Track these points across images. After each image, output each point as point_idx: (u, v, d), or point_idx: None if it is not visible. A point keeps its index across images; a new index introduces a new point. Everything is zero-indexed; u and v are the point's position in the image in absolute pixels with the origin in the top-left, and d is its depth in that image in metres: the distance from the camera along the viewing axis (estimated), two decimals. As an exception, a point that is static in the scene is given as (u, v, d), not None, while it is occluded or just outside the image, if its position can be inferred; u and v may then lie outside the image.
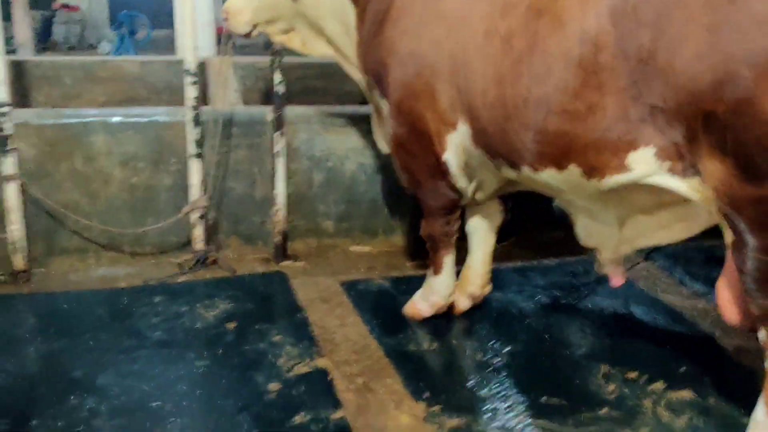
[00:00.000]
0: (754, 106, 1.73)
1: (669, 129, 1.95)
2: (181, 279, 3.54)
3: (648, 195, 2.25)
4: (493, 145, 2.43)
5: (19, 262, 3.40)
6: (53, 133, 3.42)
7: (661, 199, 2.24)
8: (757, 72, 1.70)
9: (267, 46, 3.84)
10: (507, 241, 4.12)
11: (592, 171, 2.17)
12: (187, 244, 3.71)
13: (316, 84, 4.96)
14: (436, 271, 3.11)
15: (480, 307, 3.30)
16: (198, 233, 3.66)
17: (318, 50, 3.22)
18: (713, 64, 1.77)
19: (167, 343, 2.92)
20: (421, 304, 3.18)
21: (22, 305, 3.20)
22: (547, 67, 2.12)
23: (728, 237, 2.02)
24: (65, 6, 21.39)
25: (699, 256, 3.93)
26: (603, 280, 3.71)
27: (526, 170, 2.39)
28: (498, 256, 3.94)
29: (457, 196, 2.90)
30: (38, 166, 3.43)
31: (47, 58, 4.83)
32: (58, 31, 20.27)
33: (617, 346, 3.04)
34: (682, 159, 1.99)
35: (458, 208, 2.98)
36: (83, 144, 3.47)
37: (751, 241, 1.91)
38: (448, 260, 3.08)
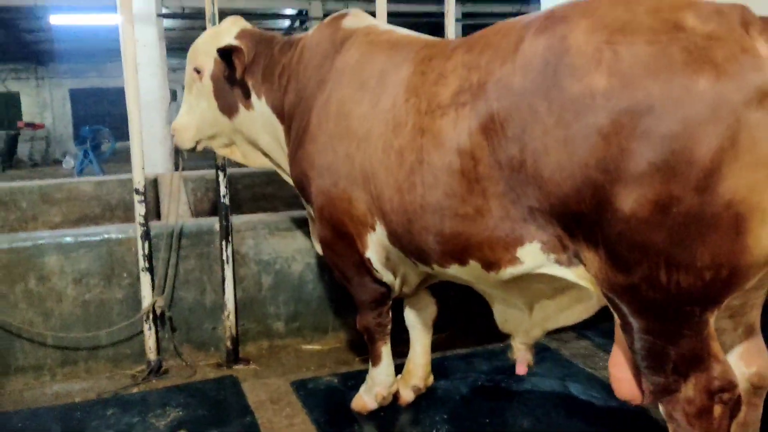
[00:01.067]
0: (612, 206, 1.92)
1: (548, 226, 2.15)
2: (135, 390, 3.62)
3: (545, 283, 2.43)
4: (404, 244, 2.64)
5: (-27, 384, 3.48)
6: (7, 256, 3.57)
7: (557, 285, 2.43)
8: (608, 178, 1.90)
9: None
10: (449, 330, 4.32)
11: (490, 265, 2.37)
12: (140, 355, 3.81)
13: (265, 191, 5.23)
14: (375, 363, 3.25)
15: (425, 397, 3.44)
16: (151, 343, 3.78)
17: (257, 161, 3.51)
18: (572, 173, 1.97)
19: (119, 454, 2.99)
20: (365, 398, 3.30)
21: (-25, 427, 3.26)
22: (435, 177, 2.35)
23: (616, 320, 2.19)
24: (30, 125, 21.87)
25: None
26: (542, 360, 3.92)
27: (435, 266, 2.60)
28: (444, 344, 4.14)
29: (385, 290, 3.08)
30: (-7, 288, 3.56)
31: (4, 184, 5.00)
32: (23, 149, 20.65)
33: (554, 425, 3.18)
34: (566, 250, 2.18)
35: (388, 301, 3.14)
36: (37, 265, 3.62)
37: (634, 323, 2.07)
38: (385, 351, 3.22)
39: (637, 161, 1.85)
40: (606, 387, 3.50)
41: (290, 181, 3.43)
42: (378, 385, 3.27)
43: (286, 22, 20.32)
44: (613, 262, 2.00)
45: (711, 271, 1.87)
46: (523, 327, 2.81)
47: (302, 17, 18.19)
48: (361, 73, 2.78)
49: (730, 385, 2.08)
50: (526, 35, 2.16)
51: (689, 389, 2.08)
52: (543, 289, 2.54)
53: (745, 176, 1.79)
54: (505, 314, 2.86)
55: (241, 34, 3.22)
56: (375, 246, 2.86)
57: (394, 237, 2.67)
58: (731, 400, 2.11)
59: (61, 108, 24.99)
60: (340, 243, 2.95)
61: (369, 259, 2.92)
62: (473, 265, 2.42)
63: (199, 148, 3.49)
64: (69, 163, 17.75)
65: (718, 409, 2.10)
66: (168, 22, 15.71)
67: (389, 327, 3.20)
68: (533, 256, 2.24)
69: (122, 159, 20.67)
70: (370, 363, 3.29)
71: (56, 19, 14.18)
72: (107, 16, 13.99)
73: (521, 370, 2.94)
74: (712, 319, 2.02)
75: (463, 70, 2.33)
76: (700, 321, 1.99)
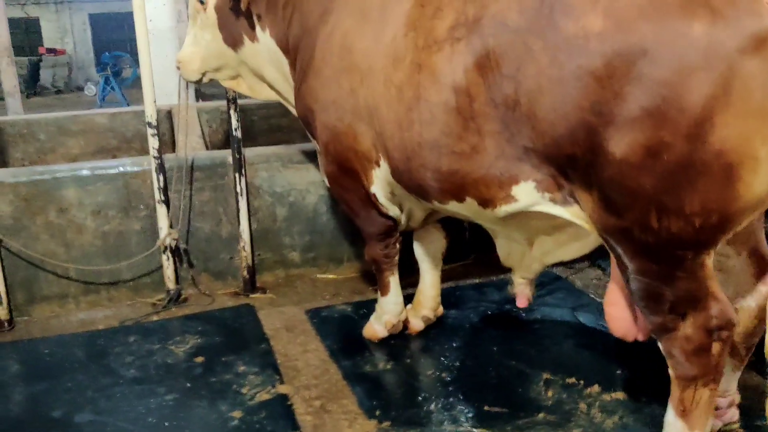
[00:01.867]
0: (603, 150, 1.91)
1: (542, 165, 2.15)
2: (155, 318, 3.76)
3: (542, 220, 2.45)
4: (404, 181, 2.66)
5: (1, 312, 3.62)
6: (27, 189, 3.66)
7: (555, 223, 2.45)
8: (602, 121, 1.89)
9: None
10: (467, 259, 4.37)
11: (486, 202, 2.39)
12: (160, 284, 3.93)
13: (281, 122, 5.22)
14: (384, 293, 3.33)
15: (436, 326, 3.52)
16: (169, 273, 3.89)
17: (263, 94, 3.50)
18: (566, 114, 1.96)
19: (140, 379, 3.13)
20: (376, 326, 3.39)
21: (5, 353, 3.42)
22: (432, 114, 2.34)
23: (612, 260, 2.22)
24: (51, 50, 21.84)
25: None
26: (554, 290, 3.97)
27: (435, 202, 2.62)
28: (458, 274, 4.21)
29: (392, 223, 3.11)
30: (15, 221, 3.66)
31: (21, 117, 5.07)
32: (46, 75, 20.70)
33: (561, 354, 3.26)
34: (561, 189, 2.18)
35: (395, 233, 3.18)
36: (56, 198, 3.71)
37: (629, 264, 2.10)
38: (393, 281, 3.30)
39: (630, 106, 1.83)
40: (615, 317, 3.56)
41: (297, 114, 3.43)
42: (387, 314, 3.35)
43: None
44: (606, 205, 2.01)
45: (701, 218, 1.88)
46: (524, 261, 2.84)
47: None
48: (363, 5, 2.72)
49: (728, 324, 2.11)
50: None
51: (687, 327, 2.12)
52: (541, 226, 2.56)
53: (737, 125, 1.78)
54: (508, 248, 2.90)
55: None
56: (380, 182, 2.88)
57: (396, 173, 2.68)
58: (729, 337, 2.16)
59: (82, 33, 24.87)
60: (346, 178, 2.97)
61: (374, 194, 2.94)
62: (470, 201, 2.44)
63: (205, 80, 3.48)
64: (91, 90, 17.79)
65: (716, 347, 2.14)
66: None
67: (397, 258, 3.26)
68: (528, 195, 2.26)
69: (144, 85, 20.69)
70: (378, 292, 3.37)
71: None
72: (122, -62, 13.71)
73: (522, 303, 3.01)
74: (709, 261, 2.03)
75: (459, 2, 2.29)
76: (694, 263, 2.01)
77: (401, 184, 2.73)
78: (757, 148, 1.80)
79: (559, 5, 1.96)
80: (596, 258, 4.23)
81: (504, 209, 2.36)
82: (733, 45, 1.74)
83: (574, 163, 2.02)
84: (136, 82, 18.44)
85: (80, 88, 20.99)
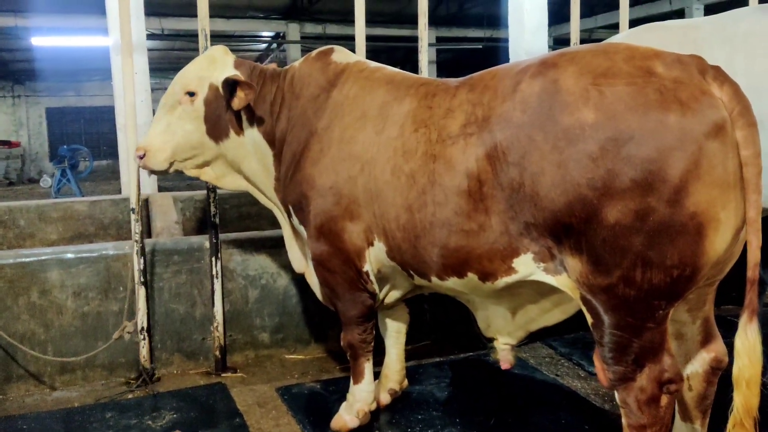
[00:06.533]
0: (598, 217, 2.32)
1: (540, 238, 2.53)
2: (130, 396, 3.89)
3: (531, 289, 2.84)
4: (406, 259, 2.97)
5: (-22, 391, 3.71)
6: (12, 271, 3.83)
7: (541, 291, 2.84)
8: (597, 193, 2.31)
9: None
10: (427, 340, 4.65)
11: (486, 276, 2.75)
12: (135, 363, 4.08)
13: (251, 210, 5.54)
14: (357, 380, 3.45)
15: (401, 400, 3.74)
16: (144, 353, 4.05)
17: (232, 184, 3.64)
18: (565, 190, 2.37)
19: (119, 453, 3.25)
20: (346, 416, 3.46)
21: (-19, 430, 3.49)
22: (445, 196, 2.73)
23: (589, 319, 2.55)
24: (5, 142, 21.89)
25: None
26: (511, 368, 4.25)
27: (434, 279, 2.94)
28: (420, 354, 4.47)
29: (373, 302, 3.33)
30: (-2, 301, 3.82)
31: (3, 204, 5.24)
32: (-1, 167, 20.65)
33: (518, 421, 3.52)
34: (553, 259, 2.56)
35: (374, 317, 3.41)
36: (40, 279, 3.88)
37: (606, 319, 2.46)
38: (368, 367, 3.43)
39: (621, 179, 2.27)
40: (566, 391, 3.86)
41: (267, 203, 3.65)
42: (359, 402, 3.46)
43: (263, 45, 20.70)
44: (595, 266, 2.39)
45: (677, 269, 2.30)
46: (506, 330, 3.17)
47: (279, 40, 18.59)
48: (362, 105, 3.13)
49: (677, 377, 2.49)
50: (523, 79, 2.58)
51: (643, 379, 2.48)
52: (529, 295, 2.93)
53: (705, 193, 2.25)
54: (488, 320, 3.22)
55: (237, 64, 3.44)
56: (371, 260, 3.15)
57: (396, 252, 2.99)
58: (677, 391, 2.53)
59: (38, 126, 25.05)
60: (337, 259, 3.20)
61: (367, 272, 3.19)
62: (470, 277, 2.79)
63: (171, 170, 3.50)
64: (46, 182, 17.85)
65: (665, 399, 2.51)
66: (149, 43, 16.01)
67: (372, 344, 3.43)
68: (526, 266, 2.63)
69: (98, 178, 20.80)
70: (351, 380, 3.47)
71: (38, 41, 14.38)
72: (88, 38, 14.24)
73: (505, 365, 3.25)
74: (670, 315, 2.43)
75: (469, 106, 2.74)
76: (663, 314, 2.41)
77: (399, 262, 3.02)
78: (719, 212, 2.26)
79: (556, 104, 2.41)
80: (545, 337, 4.57)
81: (504, 280, 2.72)
82: (700, 130, 2.24)
83: (569, 231, 2.41)
84: (92, 174, 18.49)
85: (33, 180, 20.98)
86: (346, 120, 3.15)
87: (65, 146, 16.59)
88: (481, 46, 18.92)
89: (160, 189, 9.01)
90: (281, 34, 18.10)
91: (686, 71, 2.34)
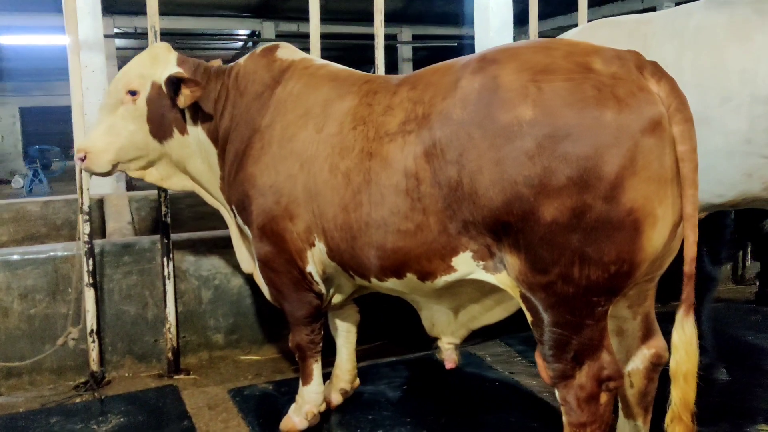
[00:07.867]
0: (535, 215, 2.30)
1: (479, 236, 2.50)
2: (78, 400, 3.82)
3: (472, 288, 2.81)
4: (345, 260, 2.92)
5: None
6: (-45, 274, 3.76)
7: (482, 289, 2.82)
8: (534, 191, 2.28)
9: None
10: (381, 341, 4.62)
11: (426, 276, 2.71)
12: (84, 367, 4.01)
13: (206, 210, 5.44)
14: (306, 381, 3.41)
15: (353, 400, 3.72)
16: (93, 356, 3.98)
17: (178, 185, 3.59)
18: (503, 188, 2.34)
19: (61, 458, 3.19)
20: (295, 418, 3.41)
21: None
22: (382, 195, 2.68)
23: (529, 317, 2.54)
24: (-23, 143, 21.60)
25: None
26: (467, 365, 4.24)
27: (373, 280, 2.90)
28: (373, 354, 4.44)
29: (320, 302, 3.28)
30: (-60, 305, 3.73)
31: (-47, 204, 5.15)
32: (-30, 168, 20.37)
33: (470, 420, 3.50)
34: (493, 257, 2.54)
35: (322, 317, 3.36)
36: (-16, 282, 3.81)
37: (545, 317, 2.44)
38: (316, 369, 3.39)
39: (558, 176, 2.25)
40: (520, 389, 3.86)
41: (214, 203, 3.61)
42: (308, 403, 3.42)
43: (238, 44, 20.56)
44: (533, 264, 2.37)
45: (615, 266, 2.28)
46: (450, 329, 3.14)
47: (254, 38, 18.47)
48: (306, 102, 3.08)
49: (617, 375, 2.47)
50: (463, 75, 2.55)
51: (582, 376, 2.46)
52: (470, 294, 2.90)
53: (642, 189, 2.23)
54: (432, 319, 3.18)
55: (181, 61, 3.37)
56: (314, 261, 3.09)
57: (335, 253, 2.94)
58: (616, 389, 2.51)
59: (11, 126, 24.69)
60: (280, 259, 3.15)
61: (310, 273, 3.14)
62: (409, 277, 2.76)
63: (114, 171, 3.47)
64: (18, 182, 17.62)
65: (604, 397, 2.49)
66: (121, 42, 15.83)
67: (320, 345, 3.39)
68: (465, 264, 2.60)
69: (72, 178, 20.55)
70: (300, 381, 3.43)
71: (5, 39, 14.18)
72: (57, 37, 14.06)
73: (450, 365, 3.22)
74: (609, 312, 2.42)
75: (409, 104, 2.69)
76: (602, 311, 2.39)
77: (339, 263, 2.97)
78: (656, 207, 2.25)
79: (495, 100, 2.38)
80: (502, 335, 4.56)
81: (443, 279, 2.68)
82: (637, 126, 2.22)
83: (507, 229, 2.38)
84: (63, 174, 18.31)
85: (5, 181, 20.68)
86: (288, 117, 3.10)
87: (36, 146, 16.41)
88: (456, 44, 18.94)
89: (135, 188, 8.93)
90: (257, 33, 18.00)
91: (624, 67, 2.33)
